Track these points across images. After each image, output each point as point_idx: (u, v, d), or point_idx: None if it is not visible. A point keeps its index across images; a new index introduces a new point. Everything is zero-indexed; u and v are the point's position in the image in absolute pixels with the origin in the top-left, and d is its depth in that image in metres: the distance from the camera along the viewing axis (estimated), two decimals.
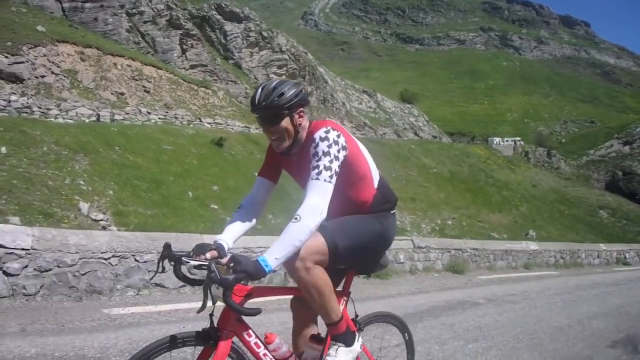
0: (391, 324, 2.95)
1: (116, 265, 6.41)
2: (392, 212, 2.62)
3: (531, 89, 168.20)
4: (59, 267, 5.91)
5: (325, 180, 2.14)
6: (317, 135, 2.24)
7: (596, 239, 42.28)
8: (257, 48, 54.74)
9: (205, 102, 44.61)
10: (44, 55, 37.12)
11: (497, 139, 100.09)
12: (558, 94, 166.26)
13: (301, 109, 2.33)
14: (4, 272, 5.52)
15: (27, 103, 31.94)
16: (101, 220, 16.02)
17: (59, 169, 17.91)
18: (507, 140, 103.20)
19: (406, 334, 2.99)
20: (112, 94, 38.12)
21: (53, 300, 5.87)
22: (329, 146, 2.20)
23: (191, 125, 38.35)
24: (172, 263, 2.11)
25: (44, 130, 21.31)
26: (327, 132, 2.25)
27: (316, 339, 2.53)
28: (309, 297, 2.25)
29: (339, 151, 2.23)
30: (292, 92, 2.27)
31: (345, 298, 2.55)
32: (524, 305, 8.22)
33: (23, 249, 5.60)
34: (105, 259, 6.33)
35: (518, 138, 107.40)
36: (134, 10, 46.70)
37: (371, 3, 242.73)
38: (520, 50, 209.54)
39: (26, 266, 5.65)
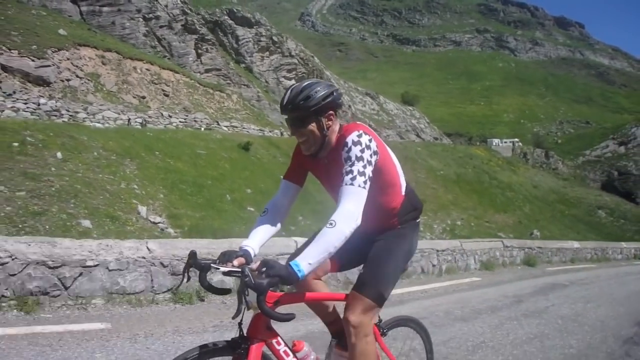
0: (411, 328, 2.97)
1: None
2: (417, 221, 2.64)
3: (527, 90, 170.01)
4: None
5: (359, 186, 2.12)
6: (349, 139, 2.22)
7: (596, 239, 43.70)
8: (267, 52, 55.95)
9: (221, 105, 45.68)
10: (68, 59, 38.08)
11: (496, 140, 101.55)
12: (553, 94, 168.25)
13: (331, 112, 2.30)
14: None
15: (56, 106, 32.87)
16: (159, 222, 17.14)
17: (113, 174, 19.02)
18: (505, 142, 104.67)
19: (424, 336, 3.01)
20: (134, 97, 39.13)
21: None
22: (362, 151, 2.18)
23: (210, 129, 39.45)
24: (198, 271, 2.09)
25: (89, 135, 22.37)
26: (359, 136, 2.23)
27: (342, 345, 2.51)
28: (354, 357, 2.30)
29: (371, 156, 2.22)
30: (320, 95, 2.23)
31: None
32: (594, 286, 11.06)
33: None
34: None
35: (516, 139, 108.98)
36: (151, 15, 47.69)
37: (368, 4, 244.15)
38: (515, 52, 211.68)
39: None
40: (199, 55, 48.90)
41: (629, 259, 21.56)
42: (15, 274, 4.83)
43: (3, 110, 30.70)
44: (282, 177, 2.57)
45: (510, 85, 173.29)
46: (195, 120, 39.59)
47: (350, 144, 2.20)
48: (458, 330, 5.64)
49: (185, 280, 2.14)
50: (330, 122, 2.30)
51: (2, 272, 4.78)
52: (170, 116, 38.06)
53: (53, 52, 37.59)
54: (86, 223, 14.59)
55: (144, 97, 39.76)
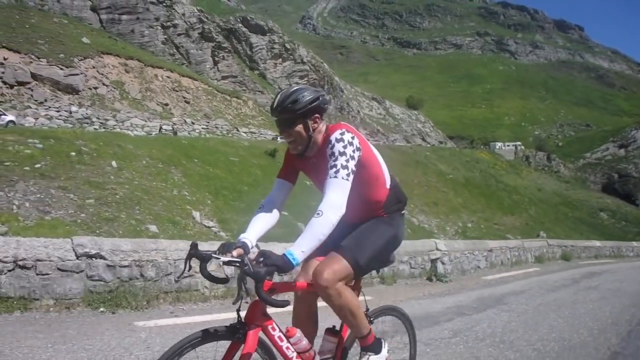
0: (396, 317, 3.10)
1: None
2: (402, 212, 2.75)
3: (527, 93, 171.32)
4: None
5: (343, 178, 2.25)
6: (332, 137, 2.35)
7: (599, 240, 45.28)
8: (280, 59, 57.41)
9: (239, 111, 47.05)
10: (93, 67, 39.50)
11: (499, 144, 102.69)
12: (554, 97, 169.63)
13: (316, 115, 2.42)
14: None
15: (87, 114, 34.28)
16: (212, 226, 18.50)
17: (164, 181, 20.38)
18: (508, 145, 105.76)
19: (408, 324, 3.15)
20: (157, 104, 40.50)
21: None
22: (345, 147, 2.31)
23: (230, 135, 40.79)
24: (199, 262, 2.21)
25: (134, 144, 23.73)
26: (342, 134, 2.35)
27: (332, 331, 2.67)
28: (341, 317, 2.45)
29: (354, 151, 2.33)
30: (307, 99, 2.36)
31: (356, 292, 2.67)
32: (620, 273, 13.37)
33: None
34: None
35: (519, 143, 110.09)
36: (169, 23, 49.10)
37: (369, 8, 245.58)
38: (516, 55, 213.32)
39: None
40: (215, 63, 50.30)
41: (638, 255, 24.44)
42: None
43: (37, 118, 32.14)
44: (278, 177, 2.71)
45: (511, 88, 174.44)
46: (216, 127, 40.96)
47: (333, 141, 2.33)
48: (554, 296, 8.45)
49: (187, 269, 2.24)
50: (315, 124, 2.42)
51: None
52: (193, 123, 39.44)
53: (79, 60, 38.99)
54: (153, 228, 15.94)
55: (166, 104, 41.11)
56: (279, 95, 2.39)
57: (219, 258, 2.10)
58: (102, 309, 4.90)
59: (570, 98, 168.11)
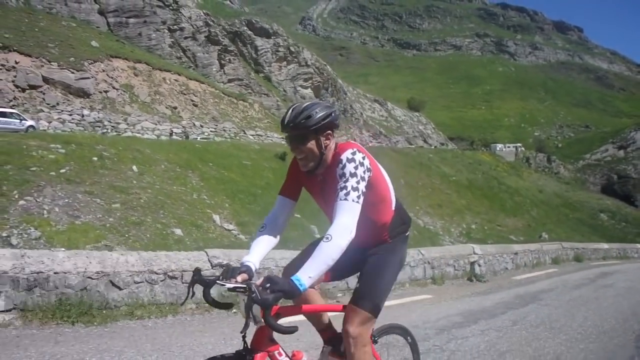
0: (400, 335, 3.11)
1: None
2: (406, 234, 2.73)
3: (527, 94, 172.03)
4: None
5: (353, 201, 2.21)
6: (344, 157, 2.31)
7: (600, 241, 45.99)
8: (285, 62, 57.95)
9: (245, 114, 47.55)
10: (103, 71, 39.92)
11: (499, 146, 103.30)
12: (553, 98, 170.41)
13: (329, 131, 2.39)
14: None
15: (99, 117, 34.74)
16: (232, 230, 19.01)
17: (183, 185, 20.91)
18: (508, 147, 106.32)
19: (412, 343, 3.14)
20: (166, 107, 40.95)
21: None
22: (356, 167, 2.27)
23: (237, 138, 41.32)
24: (202, 287, 2.19)
25: (151, 148, 24.23)
26: (353, 153, 2.32)
27: (337, 354, 2.65)
28: None
29: (364, 172, 2.30)
30: (320, 115, 2.32)
31: None
32: (630, 273, 14.62)
33: None
34: None
35: (519, 144, 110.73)
36: (175, 27, 49.58)
37: (368, 9, 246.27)
38: (515, 56, 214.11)
39: None
40: (222, 66, 50.82)
41: None
42: None
43: (50, 122, 32.66)
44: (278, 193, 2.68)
45: (511, 89, 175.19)
46: (224, 130, 41.47)
47: (344, 161, 2.29)
48: (578, 293, 9.90)
49: (190, 295, 2.19)
50: (328, 141, 2.39)
51: None
52: (201, 126, 39.94)
53: (89, 64, 39.39)
54: (178, 231, 16.47)
55: (175, 108, 41.58)
56: (291, 110, 2.37)
57: (224, 285, 2.10)
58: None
59: (569, 99, 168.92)
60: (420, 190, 48.30)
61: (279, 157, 32.11)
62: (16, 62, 35.82)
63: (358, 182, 2.26)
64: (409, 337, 3.10)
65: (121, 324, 4.84)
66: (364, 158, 2.33)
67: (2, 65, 35.27)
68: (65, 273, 4.69)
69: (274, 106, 52.25)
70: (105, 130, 33.42)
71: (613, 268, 16.35)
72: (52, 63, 37.50)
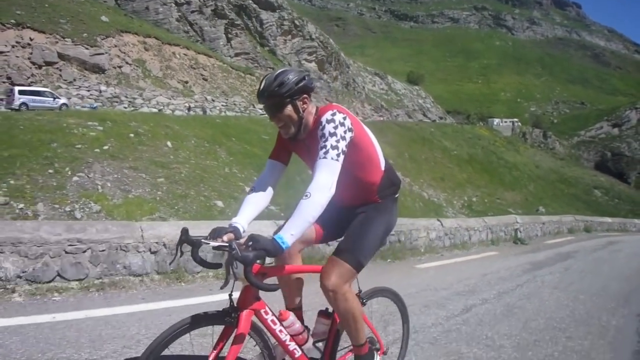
0: (388, 298, 3.08)
1: None
2: (396, 196, 2.72)
3: (523, 69, 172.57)
4: None
5: (332, 159, 2.21)
6: (323, 119, 2.31)
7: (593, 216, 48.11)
8: (290, 36, 58.38)
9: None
10: (115, 46, 40.45)
11: (496, 120, 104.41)
12: (549, 74, 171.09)
13: (304, 95, 2.37)
14: None
15: (115, 93, 35.53)
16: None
17: (215, 160, 22.08)
18: (505, 122, 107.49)
19: (401, 305, 3.13)
20: (178, 82, 41.71)
21: None
22: (335, 127, 2.27)
23: (247, 112, 42.26)
24: (190, 247, 2.22)
25: (179, 124, 25.25)
26: (333, 114, 2.31)
27: (324, 314, 2.67)
28: (344, 322, 2.49)
29: (345, 132, 2.29)
30: (293, 80, 2.31)
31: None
32: (633, 242, 16.96)
33: None
34: None
35: (516, 119, 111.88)
36: (182, 0, 49.82)
37: None
38: (513, 30, 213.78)
39: None
40: (229, 40, 51.31)
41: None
42: None
43: (70, 98, 33.43)
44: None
45: (507, 64, 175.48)
46: (234, 104, 42.37)
47: (324, 122, 2.30)
48: (596, 255, 12.11)
49: (178, 255, 2.24)
50: (305, 105, 2.38)
51: None
52: (213, 100, 40.83)
53: (102, 39, 39.91)
54: (219, 203, 17.70)
55: (186, 82, 42.34)
56: (264, 81, 2.35)
57: (209, 243, 2.13)
58: (389, 260, 8.43)
59: (565, 76, 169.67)
60: (423, 164, 49.68)
61: None
62: (31, 39, 36.31)
63: (337, 141, 2.25)
64: (398, 301, 3.10)
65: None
66: (344, 118, 2.33)
67: (17, 42, 35.79)
68: None
69: None
70: (124, 106, 34.28)
71: (617, 239, 18.50)
72: (66, 39, 38.01)
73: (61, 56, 36.65)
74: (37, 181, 15.76)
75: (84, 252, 4.87)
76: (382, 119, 66.41)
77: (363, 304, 2.68)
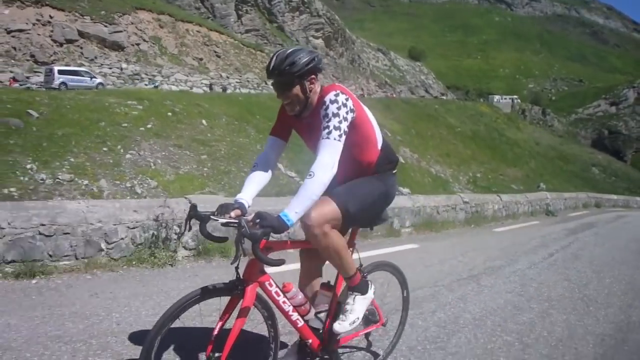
0: (389, 272, 3.13)
1: None
2: (393, 172, 2.77)
3: (522, 46, 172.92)
4: None
5: (335, 139, 2.26)
6: (327, 98, 2.35)
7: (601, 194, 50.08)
8: (297, 12, 58.96)
9: (264, 65, 48.50)
10: (132, 23, 41.16)
11: (497, 97, 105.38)
12: (548, 51, 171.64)
13: (313, 76, 2.43)
14: None
15: (136, 70, 36.44)
16: (294, 177, 21.61)
17: (246, 137, 23.38)
18: (505, 98, 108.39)
19: (401, 280, 3.18)
20: (193, 59, 42.57)
21: None
22: (339, 108, 2.31)
23: (260, 89, 43.24)
24: (199, 222, 2.28)
25: (208, 102, 26.39)
26: (336, 95, 2.36)
27: (326, 286, 2.74)
28: (327, 257, 2.52)
29: (347, 113, 2.34)
30: (304, 61, 2.36)
31: (351, 249, 2.71)
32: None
33: None
34: None
35: (515, 96, 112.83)
36: None
37: None
38: (512, 6, 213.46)
39: None
40: (239, 16, 51.92)
41: None
42: None
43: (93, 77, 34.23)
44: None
45: (506, 40, 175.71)
46: (247, 81, 43.36)
47: (328, 102, 2.34)
48: (612, 225, 14.17)
49: (187, 229, 2.33)
50: (312, 85, 2.44)
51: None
52: (227, 77, 41.82)
53: (119, 17, 40.54)
54: None
55: (201, 59, 43.20)
56: (274, 58, 2.38)
57: (217, 219, 2.22)
58: (472, 225, 11.03)
59: (564, 53, 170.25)
60: (429, 140, 50.99)
61: None
62: (51, 17, 36.87)
63: (340, 122, 2.31)
64: (398, 275, 3.16)
65: None
66: (347, 99, 2.38)
67: (38, 20, 36.39)
68: None
69: None
70: (145, 83, 35.19)
71: (625, 213, 20.86)
72: (85, 17, 38.62)
73: (81, 34, 37.34)
74: (94, 159, 17.02)
75: None
76: (386, 94, 67.62)
77: (363, 277, 2.68)
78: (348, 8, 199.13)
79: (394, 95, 65.27)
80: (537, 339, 3.67)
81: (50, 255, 4.43)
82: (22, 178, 14.92)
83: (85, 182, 15.53)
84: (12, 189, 14.07)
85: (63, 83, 26.88)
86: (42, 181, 15.09)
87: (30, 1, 36.65)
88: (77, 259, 4.59)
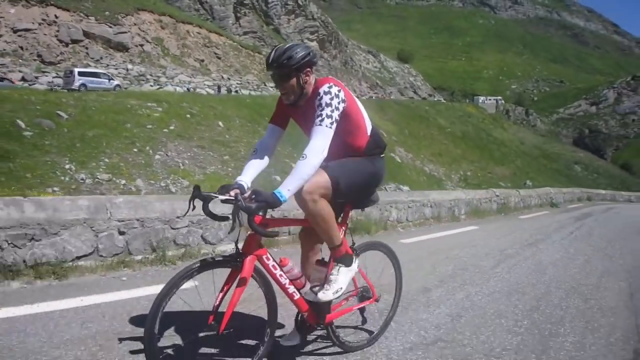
0: (381, 252, 3.27)
1: None
2: (382, 155, 2.96)
3: (505, 47, 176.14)
4: None
5: (326, 126, 2.45)
6: (321, 90, 2.55)
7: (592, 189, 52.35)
8: (293, 15, 60.31)
9: (262, 67, 50.25)
10: (135, 24, 42.02)
11: (482, 98, 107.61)
12: (530, 53, 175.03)
13: (308, 69, 2.61)
14: None
15: (141, 71, 37.33)
16: None
17: (261, 138, 24.51)
18: (490, 99, 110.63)
19: (394, 259, 3.31)
20: (195, 60, 43.58)
21: None
22: (331, 99, 2.51)
23: (260, 90, 44.38)
24: (201, 202, 2.41)
25: (220, 104, 27.52)
26: (330, 87, 2.55)
27: (321, 262, 2.90)
28: (315, 224, 2.67)
29: (339, 103, 2.53)
30: (300, 55, 2.56)
31: (344, 228, 2.89)
32: (625, 207, 22.19)
33: None
34: None
35: (499, 97, 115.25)
36: None
37: None
38: (495, 9, 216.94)
39: None
40: (237, 19, 53.03)
41: (628, 201, 33.24)
42: None
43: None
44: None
45: (490, 42, 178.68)
46: (248, 82, 44.50)
47: (322, 93, 2.53)
48: (606, 215, 16.19)
49: (191, 209, 2.39)
50: (307, 77, 2.62)
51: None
52: (229, 78, 42.87)
53: (122, 17, 41.36)
54: (278, 178, 20.21)
55: (202, 61, 44.24)
56: (274, 52, 2.58)
57: (217, 197, 2.40)
58: (503, 214, 13.14)
59: (546, 54, 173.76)
60: (422, 140, 52.69)
61: None
62: (56, 17, 37.58)
63: (332, 111, 2.49)
64: (390, 254, 3.31)
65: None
66: (339, 91, 2.57)
67: (44, 19, 37.11)
68: None
69: None
70: (151, 84, 36.03)
71: (613, 206, 23.52)
72: (90, 17, 39.40)
73: (86, 34, 38.06)
74: (127, 159, 18.08)
75: None
76: (377, 96, 69.19)
77: (357, 255, 2.88)
78: (336, 9, 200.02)
79: (377, 95, 66.86)
80: (588, 273, 5.71)
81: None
82: (62, 178, 15.93)
83: (123, 181, 16.55)
84: (55, 188, 15.11)
85: (83, 84, 27.77)
86: (82, 181, 16.10)
87: (35, 0, 37.28)
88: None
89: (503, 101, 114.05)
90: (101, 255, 4.38)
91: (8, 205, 3.94)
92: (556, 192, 20.39)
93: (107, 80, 29.84)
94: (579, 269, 5.84)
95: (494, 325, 3.62)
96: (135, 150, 18.98)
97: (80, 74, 28.75)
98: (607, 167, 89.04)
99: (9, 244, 3.87)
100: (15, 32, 34.89)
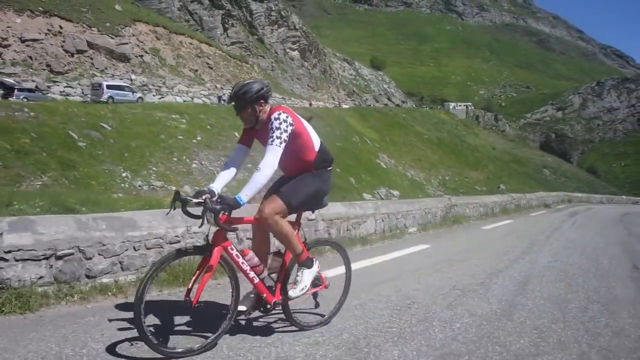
0: (331, 246, 3.95)
1: None
2: (328, 169, 3.50)
3: (473, 53, 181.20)
4: None
5: (277, 145, 3.06)
6: (272, 117, 3.15)
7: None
8: (276, 25, 62.63)
9: (249, 76, 52.34)
10: (133, 35, 43.33)
11: (452, 104, 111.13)
12: (497, 59, 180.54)
13: (262, 101, 3.21)
14: None
15: (144, 81, 38.83)
16: None
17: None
18: (460, 105, 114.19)
19: (342, 252, 3.87)
20: (189, 70, 45.32)
21: None
22: (280, 123, 3.10)
23: None
24: (181, 204, 2.93)
25: (226, 114, 29.53)
26: (279, 114, 3.15)
27: (277, 254, 3.51)
28: (279, 240, 3.33)
29: (287, 127, 3.11)
30: (254, 89, 3.16)
31: (297, 227, 3.47)
32: (602, 208, 25.88)
33: None
34: None
35: (469, 103, 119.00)
36: None
37: None
38: (463, 16, 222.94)
39: None
40: (225, 29, 54.99)
41: (600, 202, 36.22)
42: None
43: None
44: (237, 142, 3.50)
45: (458, 48, 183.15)
46: None
47: (273, 119, 3.13)
48: (592, 211, 20.98)
49: (172, 209, 3.00)
50: (261, 107, 3.23)
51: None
52: (222, 88, 44.73)
53: (122, 28, 42.67)
54: None
55: (196, 71, 46.03)
56: (234, 87, 3.23)
57: (193, 200, 2.93)
58: (518, 212, 16.70)
59: (512, 60, 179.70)
60: (402, 147, 55.65)
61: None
62: (61, 27, 38.53)
63: (281, 133, 3.10)
64: (339, 248, 3.94)
65: None
66: (287, 117, 3.18)
67: (49, 30, 38.13)
68: None
69: (269, 67, 57.43)
70: (153, 94, 37.54)
71: (590, 206, 26.99)
72: (93, 28, 40.43)
73: (90, 45, 38.98)
74: (171, 168, 20.28)
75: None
76: (355, 103, 71.95)
77: (308, 249, 3.45)
78: (305, 15, 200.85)
79: (354, 102, 69.62)
80: (603, 247, 8.24)
81: None
82: (122, 185, 18.07)
83: (173, 188, 18.71)
84: (120, 194, 17.18)
85: (110, 97, 29.02)
86: (140, 187, 18.28)
87: (39, 11, 38.13)
88: None
89: (472, 107, 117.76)
90: None
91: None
92: (547, 195, 24.46)
93: (130, 93, 31.22)
94: (592, 240, 9.06)
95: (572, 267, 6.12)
96: (175, 159, 21.14)
97: (108, 87, 30.19)
98: (574, 171, 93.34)
99: None
100: (23, 41, 35.90)
